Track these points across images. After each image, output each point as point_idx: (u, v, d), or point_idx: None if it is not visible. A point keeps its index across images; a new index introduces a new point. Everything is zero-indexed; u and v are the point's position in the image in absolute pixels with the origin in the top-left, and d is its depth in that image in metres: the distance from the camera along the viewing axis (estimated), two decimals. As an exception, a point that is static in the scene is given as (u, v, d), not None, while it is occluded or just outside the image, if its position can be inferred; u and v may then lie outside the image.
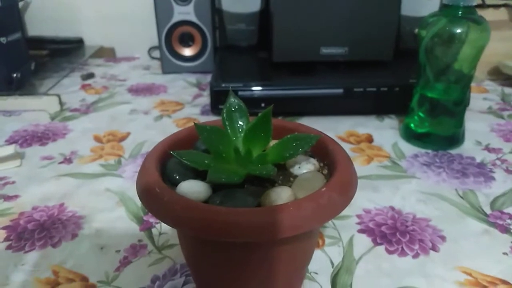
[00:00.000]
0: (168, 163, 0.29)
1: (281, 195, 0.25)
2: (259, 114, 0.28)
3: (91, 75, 0.88)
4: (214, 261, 0.27)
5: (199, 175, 0.27)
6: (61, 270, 0.36)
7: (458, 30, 0.51)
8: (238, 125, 0.30)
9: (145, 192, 0.26)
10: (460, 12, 0.51)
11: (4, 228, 0.41)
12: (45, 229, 0.41)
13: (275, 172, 0.26)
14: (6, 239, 0.40)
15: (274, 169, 0.26)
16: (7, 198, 0.46)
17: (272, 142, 0.30)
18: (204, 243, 0.26)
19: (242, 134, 0.30)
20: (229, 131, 0.30)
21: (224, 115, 0.30)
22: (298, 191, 0.26)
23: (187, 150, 0.29)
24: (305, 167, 0.29)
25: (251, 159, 0.28)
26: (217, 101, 0.66)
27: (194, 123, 0.28)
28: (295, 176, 0.28)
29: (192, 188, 0.26)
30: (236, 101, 0.31)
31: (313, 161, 0.30)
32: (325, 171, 0.29)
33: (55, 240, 0.40)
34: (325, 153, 0.30)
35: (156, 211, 0.25)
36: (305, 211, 0.23)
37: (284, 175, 0.29)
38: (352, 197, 0.26)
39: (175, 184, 0.27)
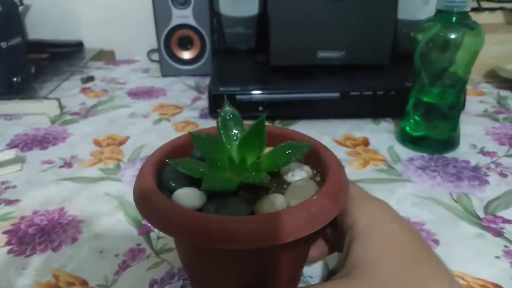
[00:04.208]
0: (165, 171, 0.30)
1: (274, 203, 0.26)
2: (253, 123, 0.29)
3: (91, 78, 0.89)
4: (208, 267, 0.28)
5: (195, 182, 0.28)
6: (61, 274, 0.37)
7: (453, 36, 0.51)
8: (233, 133, 0.31)
9: (140, 199, 0.26)
10: (454, 18, 0.51)
11: (5, 232, 0.42)
12: (45, 233, 0.42)
13: (268, 180, 0.26)
14: (8, 243, 0.40)
15: (267, 177, 0.27)
16: (8, 202, 0.47)
17: (267, 149, 0.31)
18: (198, 250, 0.27)
19: (236, 142, 0.30)
20: (223, 139, 0.30)
21: (219, 123, 0.31)
22: (291, 198, 0.27)
23: (183, 158, 0.30)
24: (298, 175, 0.29)
25: (245, 167, 0.29)
26: (215, 105, 0.67)
27: (189, 132, 0.29)
28: (289, 183, 0.29)
29: (187, 196, 0.26)
30: (230, 109, 0.31)
31: (307, 168, 0.30)
32: (318, 178, 0.30)
33: (56, 244, 0.40)
34: (317, 160, 0.31)
35: (152, 218, 0.25)
36: (297, 219, 0.24)
37: (278, 182, 0.29)
38: (343, 204, 0.27)
39: (171, 191, 0.28)
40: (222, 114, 0.31)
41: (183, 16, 0.86)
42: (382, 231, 0.24)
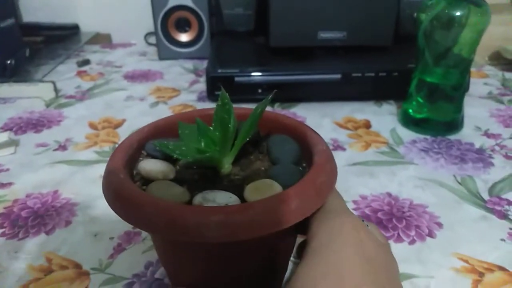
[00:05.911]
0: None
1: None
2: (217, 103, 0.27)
3: (87, 62, 0.87)
4: (176, 259, 0.26)
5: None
6: (54, 257, 0.36)
7: (458, 13, 0.49)
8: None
9: (105, 181, 0.25)
10: (460, -6, 0.50)
11: (-3, 215, 0.41)
12: (39, 217, 0.41)
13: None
14: (0, 226, 0.39)
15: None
16: (1, 185, 0.46)
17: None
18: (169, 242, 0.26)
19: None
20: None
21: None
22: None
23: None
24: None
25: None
26: (214, 87, 0.65)
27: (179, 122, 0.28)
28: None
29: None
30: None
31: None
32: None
33: (49, 227, 0.39)
34: (306, 148, 0.28)
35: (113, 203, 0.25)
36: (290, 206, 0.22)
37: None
38: (325, 196, 0.24)
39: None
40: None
41: (180, -3, 0.84)
42: (331, 254, 0.21)
